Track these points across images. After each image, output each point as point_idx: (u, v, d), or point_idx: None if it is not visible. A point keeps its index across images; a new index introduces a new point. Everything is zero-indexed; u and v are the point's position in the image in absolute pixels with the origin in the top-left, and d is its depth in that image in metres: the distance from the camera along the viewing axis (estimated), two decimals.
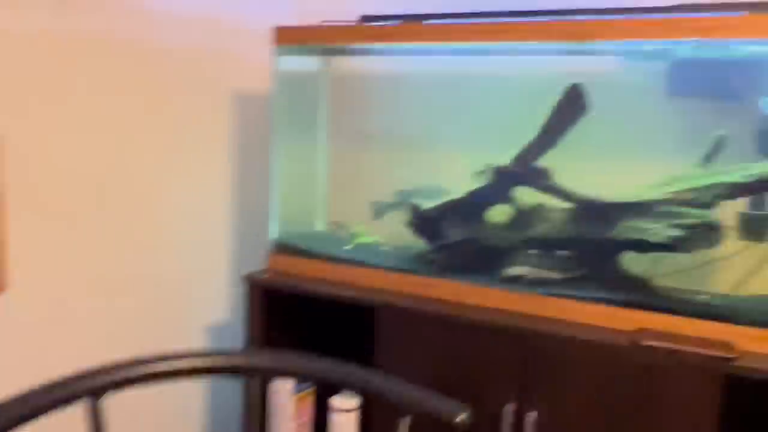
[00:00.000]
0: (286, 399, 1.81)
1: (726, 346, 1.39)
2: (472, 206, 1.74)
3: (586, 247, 1.64)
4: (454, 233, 1.73)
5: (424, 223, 1.73)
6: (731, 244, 1.61)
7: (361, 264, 1.82)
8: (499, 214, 1.80)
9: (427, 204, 1.76)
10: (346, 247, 1.97)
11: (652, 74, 1.74)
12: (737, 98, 1.66)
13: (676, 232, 1.46)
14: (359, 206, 2.19)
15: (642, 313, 1.50)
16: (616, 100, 1.75)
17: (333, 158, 2.19)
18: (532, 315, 1.61)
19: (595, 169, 1.77)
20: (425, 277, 1.74)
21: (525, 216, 1.75)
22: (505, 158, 1.72)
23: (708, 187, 1.49)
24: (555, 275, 1.65)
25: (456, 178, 1.85)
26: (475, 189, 1.70)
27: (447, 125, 2.07)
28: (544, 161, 1.69)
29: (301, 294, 1.78)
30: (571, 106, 1.62)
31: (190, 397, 2.10)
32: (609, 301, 1.54)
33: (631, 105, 1.76)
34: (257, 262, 2.24)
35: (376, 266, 1.80)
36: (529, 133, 1.68)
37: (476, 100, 2.00)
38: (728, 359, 1.33)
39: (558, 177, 1.68)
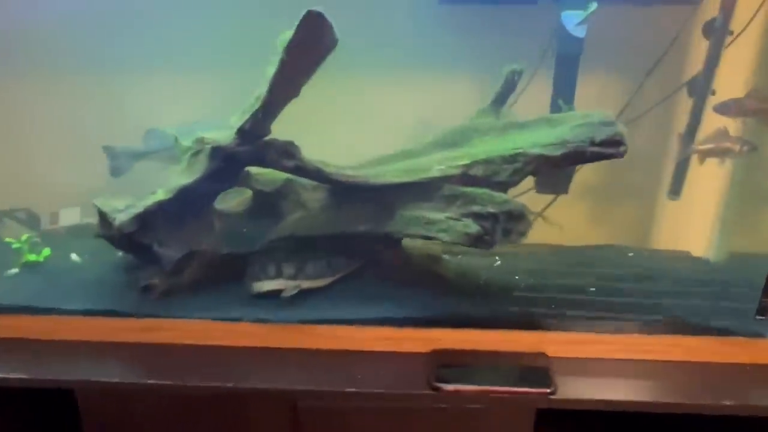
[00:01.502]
0: None
1: (540, 359, 1.12)
2: (191, 204, 1.17)
3: (357, 246, 1.20)
4: (175, 246, 1.17)
5: (127, 240, 1.13)
6: None
7: (41, 311, 1.20)
8: (231, 202, 1.26)
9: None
10: (11, 272, 1.31)
11: None
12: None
13: (470, 229, 1.07)
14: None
15: (437, 331, 1.15)
16: (377, 17, 1.22)
17: None
18: (297, 350, 1.18)
19: (357, 125, 1.28)
20: (145, 319, 1.19)
21: (269, 202, 1.24)
22: (231, 125, 1.14)
23: (506, 160, 1.09)
24: (320, 284, 1.21)
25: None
26: (189, 183, 1.12)
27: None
28: (284, 123, 1.15)
29: None
30: (311, 42, 1.06)
31: None
32: (394, 321, 1.16)
33: (398, 20, 1.25)
34: None
35: (64, 312, 1.19)
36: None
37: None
38: (545, 394, 1.05)
39: (305, 145, 1.16)
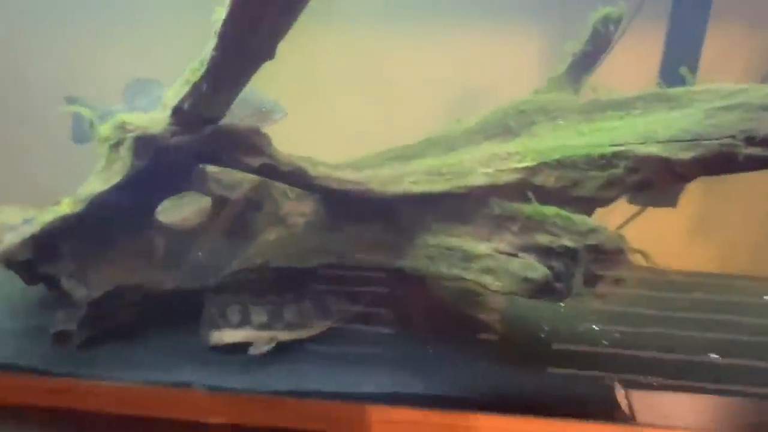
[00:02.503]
0: None
1: None
2: (116, 218, 0.80)
3: (359, 282, 0.82)
4: (94, 279, 0.81)
5: (23, 269, 0.78)
6: None
7: None
8: (182, 213, 0.88)
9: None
10: None
11: None
12: None
13: (533, 272, 0.67)
14: None
15: (475, 416, 0.77)
16: None
17: None
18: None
19: (363, 99, 0.88)
20: (58, 378, 0.84)
21: (235, 215, 0.86)
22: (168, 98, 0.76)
23: (596, 163, 0.67)
24: (304, 336, 0.83)
25: None
26: (105, 190, 0.75)
27: None
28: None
29: None
30: None
31: None
32: (412, 398, 0.77)
33: None
34: None
35: None
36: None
37: None
38: None
39: (285, 132, 0.77)
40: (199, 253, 0.86)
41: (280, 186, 0.85)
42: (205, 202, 0.89)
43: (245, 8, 0.67)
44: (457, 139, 0.83)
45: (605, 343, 0.85)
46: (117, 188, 0.75)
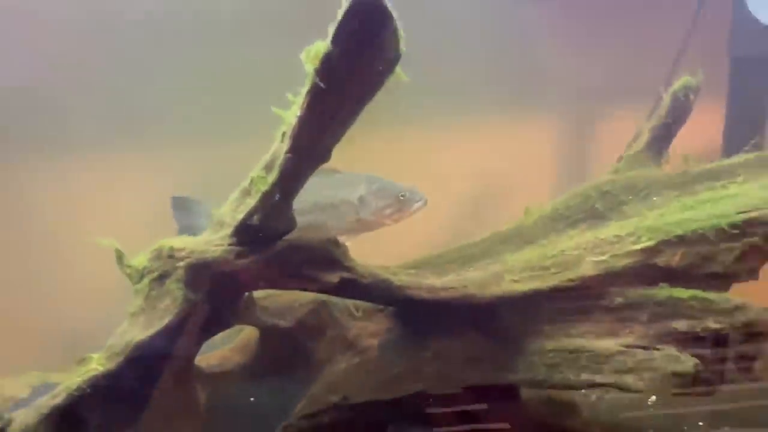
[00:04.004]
0: None
1: None
2: (154, 370, 0.64)
3: (450, 407, 0.69)
4: None
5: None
6: None
7: None
8: (221, 352, 0.73)
9: None
10: None
11: None
12: None
13: (681, 364, 0.59)
14: None
15: None
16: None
17: None
18: None
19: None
20: None
21: (291, 345, 0.72)
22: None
23: (725, 234, 0.62)
24: None
25: None
26: (148, 338, 0.60)
27: None
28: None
29: None
30: (361, 55, 0.58)
31: None
32: None
33: None
34: None
35: None
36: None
37: None
38: None
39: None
40: (251, 399, 0.70)
41: (342, 304, 0.73)
42: (244, 335, 0.75)
43: (324, 104, 0.58)
44: (531, 231, 0.75)
45: None
46: (164, 333, 0.60)
